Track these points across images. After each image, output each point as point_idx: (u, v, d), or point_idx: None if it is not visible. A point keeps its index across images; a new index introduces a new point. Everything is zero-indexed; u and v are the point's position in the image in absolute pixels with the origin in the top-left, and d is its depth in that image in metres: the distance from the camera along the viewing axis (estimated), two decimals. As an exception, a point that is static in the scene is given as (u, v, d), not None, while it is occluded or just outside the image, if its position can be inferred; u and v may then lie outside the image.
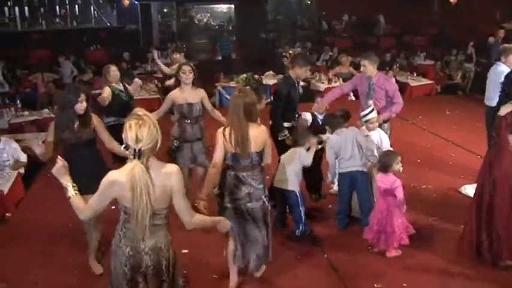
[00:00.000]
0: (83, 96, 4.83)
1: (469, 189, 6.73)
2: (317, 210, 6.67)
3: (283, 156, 5.96)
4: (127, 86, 7.76)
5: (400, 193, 5.30)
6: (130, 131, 3.08)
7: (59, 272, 5.38)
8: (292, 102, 6.50)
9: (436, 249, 5.61)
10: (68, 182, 3.31)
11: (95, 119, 5.06)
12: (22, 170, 7.70)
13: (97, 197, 3.25)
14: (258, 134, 4.51)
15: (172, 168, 3.28)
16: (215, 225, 3.67)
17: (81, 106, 4.85)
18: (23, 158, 7.78)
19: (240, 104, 4.44)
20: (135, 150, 3.08)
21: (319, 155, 6.57)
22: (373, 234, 5.47)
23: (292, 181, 5.76)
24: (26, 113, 10.67)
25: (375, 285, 5.01)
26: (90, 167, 4.84)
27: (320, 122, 6.82)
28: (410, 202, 6.35)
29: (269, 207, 4.85)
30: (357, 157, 5.92)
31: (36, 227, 6.42)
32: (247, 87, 8.48)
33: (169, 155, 6.24)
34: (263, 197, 4.71)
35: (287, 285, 5.12)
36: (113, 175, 3.20)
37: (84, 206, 3.29)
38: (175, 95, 6.27)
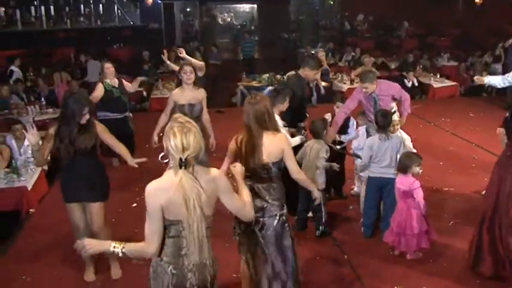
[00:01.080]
0: (86, 110, 4.69)
1: None
2: (338, 211, 6.66)
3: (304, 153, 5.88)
4: (125, 82, 8.16)
5: (419, 195, 5.23)
6: (175, 139, 2.90)
7: (83, 268, 5.40)
8: (304, 102, 6.55)
9: (457, 253, 5.55)
10: (109, 247, 3.03)
11: (99, 127, 4.93)
12: (46, 167, 7.80)
13: (149, 219, 3.00)
14: (272, 143, 4.11)
15: (214, 171, 3.12)
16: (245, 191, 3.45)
17: (83, 118, 4.71)
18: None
19: (250, 112, 4.13)
20: (181, 159, 2.90)
21: (342, 155, 6.56)
22: (393, 237, 5.43)
23: (318, 179, 5.72)
24: (50, 110, 10.83)
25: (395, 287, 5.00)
26: (89, 175, 4.85)
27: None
28: (432, 204, 6.33)
29: (288, 229, 4.32)
30: (393, 164, 5.68)
31: (59, 223, 6.49)
32: (271, 87, 8.37)
33: None
34: (278, 214, 4.24)
35: (307, 285, 5.12)
36: (152, 185, 2.99)
37: (143, 244, 3.04)
38: (177, 95, 6.40)
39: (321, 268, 5.41)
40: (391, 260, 5.50)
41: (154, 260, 3.12)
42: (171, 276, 3.05)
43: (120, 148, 5.05)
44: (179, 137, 2.90)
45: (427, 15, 22.20)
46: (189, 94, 6.36)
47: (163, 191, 2.94)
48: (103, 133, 4.94)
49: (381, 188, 5.85)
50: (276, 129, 4.25)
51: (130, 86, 8.50)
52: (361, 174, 6.54)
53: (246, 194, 3.38)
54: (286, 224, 4.32)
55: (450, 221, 6.28)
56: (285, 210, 4.31)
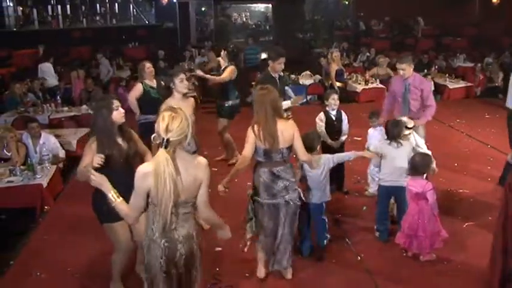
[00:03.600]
0: (116, 103, 4.40)
1: None
2: (351, 212, 6.64)
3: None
4: (162, 83, 7.88)
5: (431, 196, 5.19)
6: (162, 122, 3.22)
7: (97, 265, 5.49)
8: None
9: (470, 255, 5.53)
10: (110, 190, 3.38)
11: (134, 134, 4.70)
12: (61, 165, 7.87)
13: (134, 195, 3.34)
14: (285, 129, 4.59)
15: (202, 160, 3.43)
16: (219, 227, 3.75)
17: (117, 113, 4.40)
18: (62, 153, 7.96)
19: (266, 101, 4.56)
20: (163, 139, 3.20)
21: (342, 150, 6.57)
22: (405, 239, 5.41)
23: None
24: (66, 108, 10.93)
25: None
26: (131, 189, 4.30)
27: (334, 118, 6.84)
28: (446, 206, 6.32)
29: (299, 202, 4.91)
30: (404, 173, 5.57)
31: (74, 220, 6.56)
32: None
33: None
34: (297, 187, 4.86)
35: (320, 286, 5.13)
36: (142, 167, 3.33)
37: (128, 210, 3.38)
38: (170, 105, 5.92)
39: (334, 269, 5.40)
40: (404, 261, 5.48)
41: (147, 237, 3.45)
42: (164, 249, 3.39)
43: (148, 158, 4.61)
44: (166, 120, 3.22)
45: (442, 15, 22.04)
46: (181, 105, 4.98)
47: (149, 175, 3.24)
48: (138, 141, 4.68)
49: (393, 195, 5.83)
50: (284, 117, 4.78)
51: None
52: (374, 175, 6.52)
53: (214, 214, 3.65)
54: (302, 195, 4.97)
55: (464, 223, 6.23)
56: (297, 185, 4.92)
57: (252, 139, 4.64)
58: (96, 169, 3.96)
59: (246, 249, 5.05)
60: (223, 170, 6.82)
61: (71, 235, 6.23)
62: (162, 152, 3.20)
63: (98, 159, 4.25)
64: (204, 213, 3.55)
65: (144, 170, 3.29)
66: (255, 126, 4.61)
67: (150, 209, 3.39)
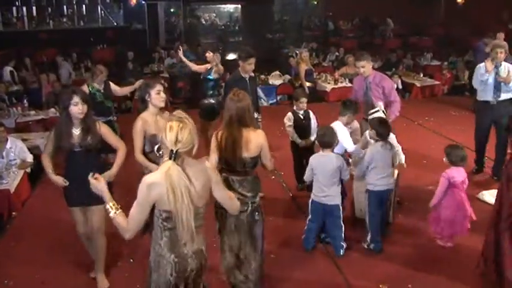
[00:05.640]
0: (75, 97, 4.50)
1: (487, 196, 6.67)
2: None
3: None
4: (112, 86, 7.94)
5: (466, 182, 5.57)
6: (170, 132, 3.08)
7: (65, 272, 5.41)
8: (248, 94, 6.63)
9: (442, 252, 5.64)
10: (109, 202, 3.23)
11: (103, 127, 4.75)
12: (28, 170, 7.73)
13: (137, 207, 3.15)
14: (251, 139, 4.35)
15: (204, 162, 3.33)
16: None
17: (76, 109, 4.52)
18: (30, 157, 7.80)
19: (232, 108, 4.34)
20: (172, 151, 3.08)
21: (312, 149, 6.59)
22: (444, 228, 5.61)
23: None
24: (33, 112, 10.73)
25: (380, 286, 5.02)
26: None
27: (302, 118, 6.86)
28: (414, 202, 6.40)
29: (259, 218, 4.57)
30: (391, 173, 5.56)
31: (42, 226, 6.46)
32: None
33: None
34: (250, 202, 4.46)
35: (291, 285, 5.14)
36: (149, 178, 3.14)
37: (127, 224, 3.18)
38: (146, 124, 4.91)
39: (304, 267, 5.42)
40: (376, 258, 5.53)
41: (154, 253, 3.31)
42: (174, 265, 3.25)
43: (119, 154, 4.83)
44: (175, 131, 3.07)
45: (410, 15, 22.37)
46: (158, 120, 4.91)
47: (157, 185, 3.09)
48: (107, 134, 4.77)
49: (382, 203, 5.67)
50: (255, 126, 4.49)
51: (119, 90, 8.27)
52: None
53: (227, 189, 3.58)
54: (257, 213, 4.55)
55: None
56: (257, 199, 4.53)
57: (213, 148, 4.43)
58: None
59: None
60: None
61: (40, 241, 6.11)
62: (172, 164, 3.07)
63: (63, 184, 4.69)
64: (237, 209, 3.60)
65: (149, 181, 3.11)
66: (219, 133, 4.43)
67: (158, 223, 3.25)
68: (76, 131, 4.63)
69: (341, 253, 5.57)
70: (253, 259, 4.59)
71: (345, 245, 5.61)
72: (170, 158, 3.09)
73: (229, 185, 4.33)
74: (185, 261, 3.27)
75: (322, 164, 5.44)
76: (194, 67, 8.95)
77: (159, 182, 3.09)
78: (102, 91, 7.84)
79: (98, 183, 3.28)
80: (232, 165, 4.39)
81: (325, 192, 5.44)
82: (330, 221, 5.58)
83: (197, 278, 3.38)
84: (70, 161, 4.72)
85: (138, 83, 7.39)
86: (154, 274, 3.34)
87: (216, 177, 3.35)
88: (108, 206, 3.21)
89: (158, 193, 3.10)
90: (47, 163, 4.76)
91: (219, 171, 4.36)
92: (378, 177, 5.49)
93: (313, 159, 5.53)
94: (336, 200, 5.48)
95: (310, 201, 5.63)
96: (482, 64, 7.39)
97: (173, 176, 3.05)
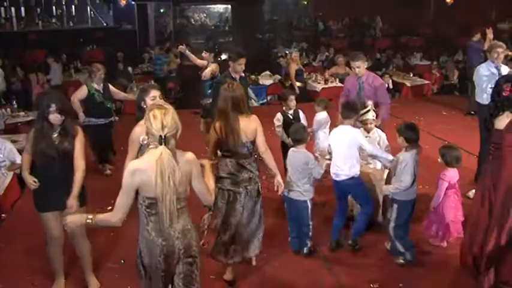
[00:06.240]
0: (53, 106, 4.46)
1: None
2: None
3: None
4: (111, 88, 7.87)
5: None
6: (155, 120, 3.26)
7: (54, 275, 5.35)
8: None
9: (434, 251, 5.69)
10: (85, 220, 3.46)
11: (80, 135, 4.67)
12: (18, 171, 7.67)
13: (122, 194, 3.35)
14: (248, 124, 4.74)
15: (190, 155, 3.48)
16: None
17: (53, 117, 4.50)
18: (19, 159, 7.73)
19: (228, 98, 4.69)
20: (161, 136, 3.24)
21: None
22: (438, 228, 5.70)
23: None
24: (22, 113, 10.64)
25: (371, 285, 5.03)
26: (67, 181, 4.54)
27: (291, 117, 6.86)
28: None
29: (260, 196, 4.99)
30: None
31: (32, 228, 6.37)
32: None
33: None
34: (258, 181, 4.95)
35: (281, 285, 5.13)
36: (133, 164, 3.37)
37: (110, 214, 3.42)
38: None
39: (296, 267, 5.42)
40: (367, 258, 5.55)
41: (143, 238, 3.48)
42: (162, 247, 3.42)
43: (77, 176, 4.60)
44: (159, 118, 3.26)
45: (400, 15, 22.45)
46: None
47: (141, 172, 3.28)
48: (78, 143, 4.63)
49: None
50: (248, 112, 4.83)
51: (117, 93, 8.19)
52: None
53: (212, 183, 3.76)
54: (260, 190, 5.01)
55: (425, 218, 6.31)
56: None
57: (214, 141, 4.78)
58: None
59: (206, 245, 5.14)
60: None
61: (29, 243, 6.06)
62: (163, 148, 3.23)
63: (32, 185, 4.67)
64: (211, 201, 3.76)
65: (133, 167, 3.32)
66: (217, 124, 4.72)
67: (142, 210, 3.42)
68: (54, 134, 4.59)
69: (305, 251, 5.59)
70: (254, 236, 5.03)
71: (309, 244, 5.60)
72: (160, 144, 3.24)
73: (244, 168, 4.80)
74: (172, 242, 3.43)
75: (292, 160, 5.51)
76: (197, 61, 9.02)
77: (143, 168, 3.28)
78: (101, 92, 7.69)
79: (74, 221, 3.55)
80: (237, 151, 4.75)
81: (294, 187, 5.49)
82: (298, 217, 5.59)
83: (188, 256, 3.52)
84: (45, 164, 4.59)
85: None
86: (145, 258, 3.52)
87: (198, 170, 3.50)
88: (87, 221, 3.45)
89: (141, 179, 3.28)
90: (25, 161, 4.78)
91: (221, 157, 4.88)
92: (414, 185, 5.34)
93: (288, 155, 5.62)
94: (304, 196, 5.46)
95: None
96: (484, 64, 7.30)
97: (164, 160, 3.21)
